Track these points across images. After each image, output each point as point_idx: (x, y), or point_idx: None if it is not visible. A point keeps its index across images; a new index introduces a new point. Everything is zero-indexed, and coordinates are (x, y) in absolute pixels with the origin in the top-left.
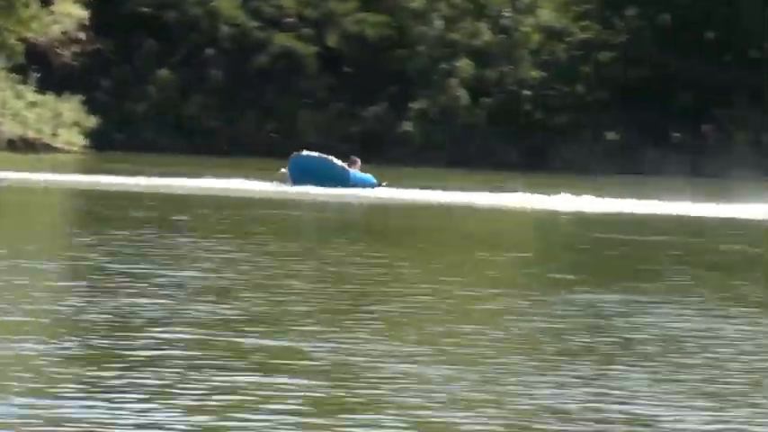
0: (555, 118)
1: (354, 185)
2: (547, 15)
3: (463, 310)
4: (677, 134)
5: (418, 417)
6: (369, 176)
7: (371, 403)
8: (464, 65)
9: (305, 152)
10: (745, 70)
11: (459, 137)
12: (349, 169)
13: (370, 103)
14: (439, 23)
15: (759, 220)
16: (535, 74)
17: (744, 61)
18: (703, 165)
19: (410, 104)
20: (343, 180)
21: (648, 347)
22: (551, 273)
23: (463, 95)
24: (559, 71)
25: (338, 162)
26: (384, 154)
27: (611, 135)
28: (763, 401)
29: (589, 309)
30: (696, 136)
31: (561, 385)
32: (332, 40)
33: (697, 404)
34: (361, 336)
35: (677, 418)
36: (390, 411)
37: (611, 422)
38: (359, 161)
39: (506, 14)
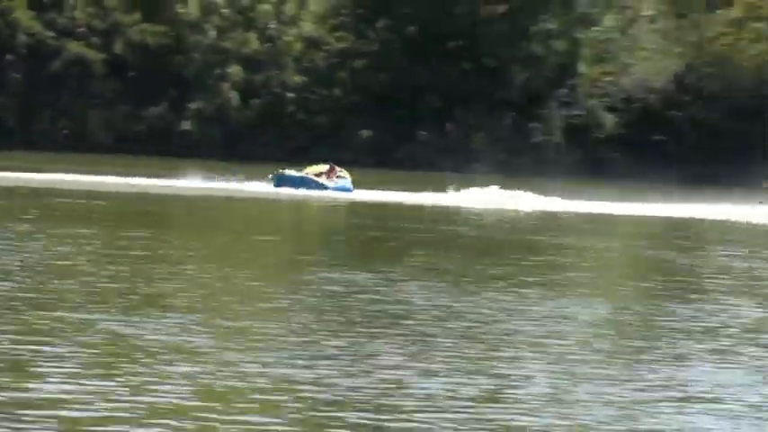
0: (316, 118)
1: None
2: (308, 27)
3: (232, 287)
4: (424, 133)
5: (190, 384)
6: (344, 184)
7: (148, 373)
8: (235, 70)
9: (286, 171)
10: (484, 78)
11: (232, 135)
12: (327, 182)
13: (153, 104)
14: (212, 33)
15: (492, 209)
16: (298, 79)
17: (483, 69)
18: (446, 161)
19: (188, 105)
20: (321, 190)
21: (400, 320)
22: (312, 254)
23: (234, 97)
24: (319, 77)
25: (313, 178)
26: (167, 150)
27: (366, 134)
28: (504, 368)
29: (346, 286)
30: (441, 135)
31: (321, 357)
32: (118, 47)
33: (446, 369)
34: (138, 311)
35: (429, 383)
36: (163, 379)
37: (366, 388)
38: (335, 166)
39: (272, 26)
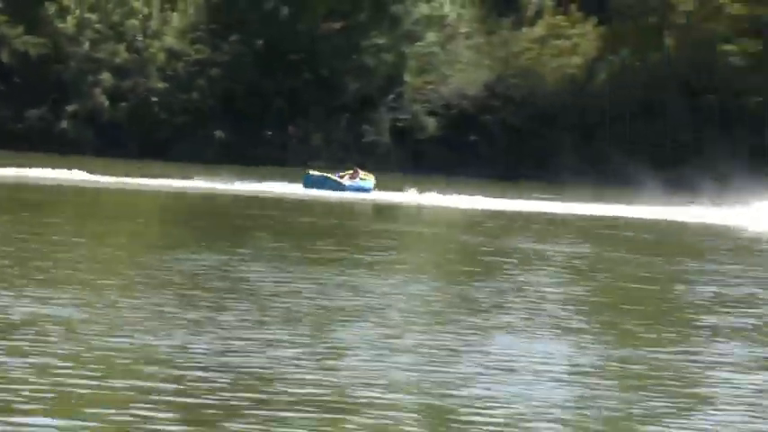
0: (176, 120)
1: (351, 191)
2: (170, 40)
3: (104, 267)
4: (269, 133)
5: (59, 352)
6: (364, 183)
7: (22, 340)
8: (106, 77)
9: (312, 172)
10: (323, 86)
11: (103, 133)
12: (345, 181)
13: (35, 106)
14: (87, 45)
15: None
16: (161, 85)
17: (321, 78)
18: (289, 158)
19: (66, 107)
20: (340, 189)
21: (246, 296)
22: (172, 238)
23: (105, 101)
24: (179, 83)
25: (335, 178)
26: (46, 147)
27: (219, 134)
28: (336, 339)
29: (202, 266)
30: (285, 136)
31: (177, 327)
32: (4, 56)
33: (286, 339)
34: (22, 289)
35: (268, 348)
36: (33, 348)
37: (220, 356)
38: (359, 170)
39: (139, 39)
